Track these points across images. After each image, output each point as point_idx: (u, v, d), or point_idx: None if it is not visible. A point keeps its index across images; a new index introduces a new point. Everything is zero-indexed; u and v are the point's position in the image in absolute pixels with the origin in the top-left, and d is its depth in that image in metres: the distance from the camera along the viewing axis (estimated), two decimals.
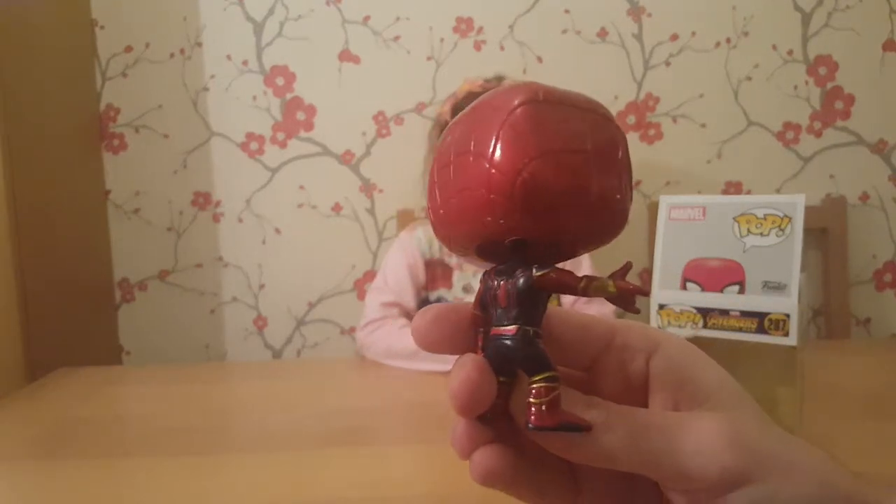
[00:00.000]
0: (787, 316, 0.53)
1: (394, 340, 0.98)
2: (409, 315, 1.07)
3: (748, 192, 1.42)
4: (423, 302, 1.09)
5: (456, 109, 1.04)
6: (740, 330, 0.54)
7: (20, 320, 1.03)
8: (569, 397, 0.20)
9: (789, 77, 1.40)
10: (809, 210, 0.58)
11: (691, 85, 1.39)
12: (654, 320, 0.58)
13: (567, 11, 1.37)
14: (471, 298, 0.22)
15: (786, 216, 0.54)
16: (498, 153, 0.19)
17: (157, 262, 1.42)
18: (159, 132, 1.38)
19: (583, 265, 1.10)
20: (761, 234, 0.54)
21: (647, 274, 1.42)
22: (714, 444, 0.21)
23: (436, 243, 1.08)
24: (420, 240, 1.09)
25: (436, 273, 1.08)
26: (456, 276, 1.08)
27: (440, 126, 1.10)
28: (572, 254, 0.21)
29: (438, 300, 1.08)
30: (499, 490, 0.23)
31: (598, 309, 1.07)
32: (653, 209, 1.39)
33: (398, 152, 1.38)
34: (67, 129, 1.27)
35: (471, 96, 1.03)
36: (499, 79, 1.05)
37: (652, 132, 1.41)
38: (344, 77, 1.38)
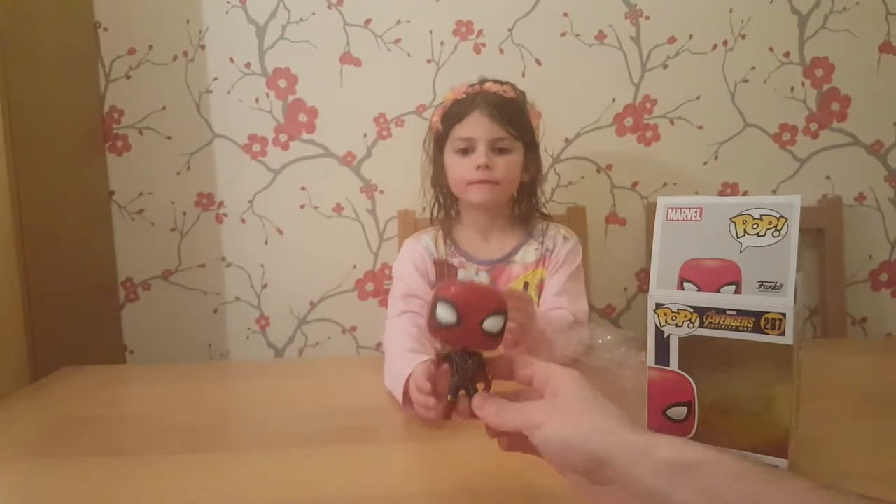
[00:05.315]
0: (783, 315, 0.54)
1: (389, 342, 0.98)
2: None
3: (745, 193, 1.43)
4: None
5: (445, 118, 1.06)
6: (737, 329, 0.55)
7: (24, 319, 1.04)
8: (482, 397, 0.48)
9: (786, 79, 1.41)
10: (806, 210, 0.59)
11: (688, 87, 1.40)
12: (652, 320, 0.59)
13: (566, 14, 1.38)
14: None
15: (782, 217, 0.54)
16: None
17: (161, 262, 1.42)
18: (163, 134, 1.39)
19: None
20: (758, 235, 0.55)
21: (645, 274, 1.43)
22: (536, 409, 0.44)
23: (441, 245, 1.10)
24: (427, 242, 1.10)
25: (443, 271, 1.10)
26: (461, 274, 1.10)
27: (434, 135, 1.10)
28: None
29: None
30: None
31: (570, 308, 1.06)
32: (650, 210, 1.40)
33: (399, 154, 1.39)
34: (71, 131, 1.28)
35: (457, 104, 1.04)
36: (482, 82, 1.06)
37: (649, 134, 1.42)
38: (345, 79, 1.38)
